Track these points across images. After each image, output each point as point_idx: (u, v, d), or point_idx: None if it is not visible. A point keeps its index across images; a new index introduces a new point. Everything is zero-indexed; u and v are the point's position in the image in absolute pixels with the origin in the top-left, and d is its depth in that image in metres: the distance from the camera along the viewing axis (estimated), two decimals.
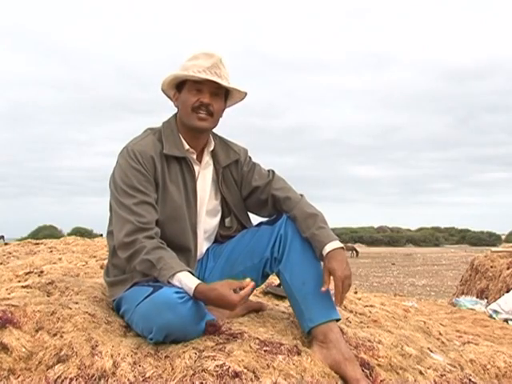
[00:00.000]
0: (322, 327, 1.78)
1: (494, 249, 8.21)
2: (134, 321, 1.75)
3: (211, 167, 2.03)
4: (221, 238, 2.07)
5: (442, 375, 1.93)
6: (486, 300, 6.22)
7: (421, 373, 1.90)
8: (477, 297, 6.59)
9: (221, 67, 1.89)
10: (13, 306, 1.77)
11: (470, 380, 1.97)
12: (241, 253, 1.97)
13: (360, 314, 2.54)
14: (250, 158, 2.12)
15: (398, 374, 1.84)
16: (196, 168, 1.98)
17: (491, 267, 6.87)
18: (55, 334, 1.65)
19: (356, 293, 3.38)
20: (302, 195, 2.00)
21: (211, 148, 2.01)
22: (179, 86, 1.92)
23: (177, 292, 1.64)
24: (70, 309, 1.80)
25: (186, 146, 1.94)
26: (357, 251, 37.25)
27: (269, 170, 2.09)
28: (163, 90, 1.97)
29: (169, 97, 2.00)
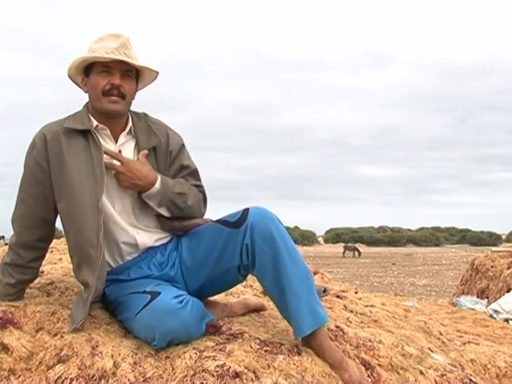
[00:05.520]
0: (308, 337, 1.71)
1: (494, 249, 8.21)
2: (135, 329, 1.72)
3: (131, 149, 1.92)
4: (176, 230, 1.96)
5: (442, 375, 1.93)
6: (486, 300, 6.22)
7: (421, 373, 1.90)
8: (477, 297, 6.59)
9: (129, 47, 1.83)
10: (13, 306, 1.77)
11: (470, 380, 1.97)
12: (215, 257, 1.86)
13: (360, 313, 2.54)
14: (183, 145, 2.02)
15: (398, 373, 1.84)
16: (109, 146, 1.87)
17: (492, 267, 6.87)
18: (55, 335, 1.65)
19: (356, 293, 3.38)
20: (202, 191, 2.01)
21: (127, 130, 1.92)
22: (87, 71, 1.85)
23: (175, 297, 1.63)
24: (70, 309, 1.80)
25: (95, 123, 1.86)
26: (359, 251, 37.12)
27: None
28: (70, 76, 1.88)
29: (76, 83, 1.91)
